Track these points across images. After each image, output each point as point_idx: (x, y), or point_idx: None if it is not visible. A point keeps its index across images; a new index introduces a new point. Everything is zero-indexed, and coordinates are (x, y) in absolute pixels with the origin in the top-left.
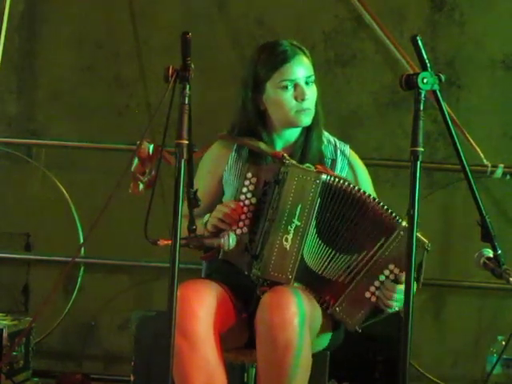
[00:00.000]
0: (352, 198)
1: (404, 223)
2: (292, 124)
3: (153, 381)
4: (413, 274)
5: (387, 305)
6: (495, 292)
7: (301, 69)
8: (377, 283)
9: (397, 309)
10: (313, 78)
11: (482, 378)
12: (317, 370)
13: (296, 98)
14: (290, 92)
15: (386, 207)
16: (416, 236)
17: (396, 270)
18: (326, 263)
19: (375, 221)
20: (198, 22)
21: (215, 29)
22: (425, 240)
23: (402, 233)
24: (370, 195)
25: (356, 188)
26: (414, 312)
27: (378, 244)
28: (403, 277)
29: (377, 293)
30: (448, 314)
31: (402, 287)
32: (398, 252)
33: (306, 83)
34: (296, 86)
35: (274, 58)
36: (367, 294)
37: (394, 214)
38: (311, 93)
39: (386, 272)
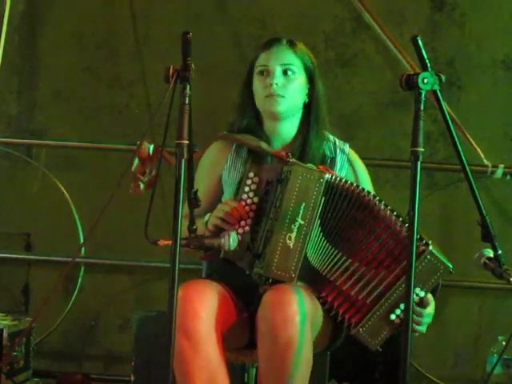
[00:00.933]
0: (356, 199)
1: (431, 247)
2: (266, 111)
3: (153, 381)
4: (413, 277)
5: (415, 330)
6: (495, 292)
7: (277, 56)
8: (402, 306)
9: (424, 331)
10: (294, 68)
11: (483, 378)
12: (317, 370)
13: (265, 84)
14: (262, 78)
15: (401, 219)
16: (441, 260)
17: (421, 293)
18: (331, 264)
19: (396, 238)
20: (198, 22)
21: (216, 29)
22: (449, 264)
23: (429, 257)
24: (375, 196)
25: (361, 189)
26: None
27: (402, 265)
28: (429, 299)
29: (402, 315)
30: (448, 314)
31: (429, 310)
32: (424, 275)
33: (285, 72)
34: (268, 71)
35: (260, 47)
36: (392, 317)
37: (419, 236)
38: (286, 81)
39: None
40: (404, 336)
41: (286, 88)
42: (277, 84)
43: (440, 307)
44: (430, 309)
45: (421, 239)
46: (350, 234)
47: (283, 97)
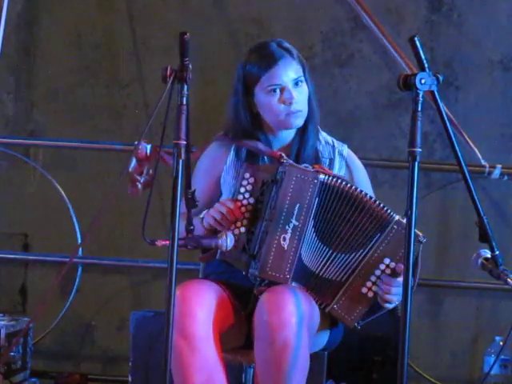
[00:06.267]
0: (350, 198)
1: (397, 217)
2: (284, 126)
3: (151, 381)
4: (410, 274)
5: (386, 299)
6: (493, 292)
7: (287, 72)
8: (373, 278)
9: (396, 303)
10: (302, 78)
11: (480, 378)
12: (314, 370)
13: (284, 102)
14: (278, 96)
15: (381, 205)
16: None
17: (392, 264)
18: (324, 263)
19: (371, 218)
20: (196, 23)
21: (213, 29)
22: (418, 232)
23: (395, 226)
24: (367, 195)
25: (354, 187)
26: (411, 312)
27: (373, 240)
28: (400, 269)
29: (374, 288)
30: (445, 314)
31: (399, 280)
32: (393, 246)
33: (296, 84)
34: (283, 89)
35: (260, 63)
36: (364, 290)
37: (388, 210)
38: (300, 94)
39: (382, 266)
40: (402, 336)
41: (302, 101)
42: (297, 101)
43: (437, 308)
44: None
45: (387, 212)
46: (346, 236)
47: (301, 111)
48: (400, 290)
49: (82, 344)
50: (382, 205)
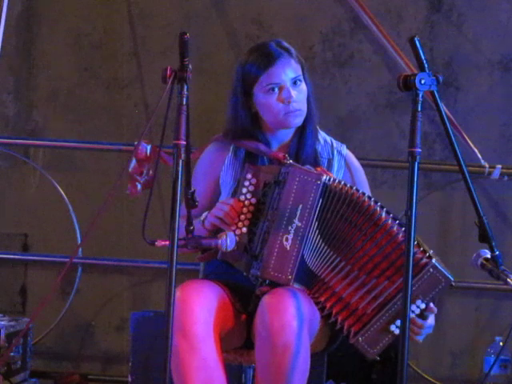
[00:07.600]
0: (355, 202)
1: (433, 260)
2: (283, 126)
3: (150, 381)
4: (410, 277)
5: (414, 340)
6: (493, 292)
7: (286, 71)
8: None
9: (421, 341)
10: (300, 77)
11: (480, 378)
12: (314, 370)
13: (283, 101)
14: (277, 95)
15: (403, 228)
16: (443, 273)
17: (422, 306)
18: (330, 268)
19: (398, 248)
20: (196, 23)
21: (213, 29)
22: (451, 277)
23: (431, 270)
24: (376, 202)
25: (360, 193)
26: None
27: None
28: (433, 309)
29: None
30: (445, 314)
31: (429, 322)
32: (426, 287)
33: (294, 83)
34: (282, 88)
35: (259, 62)
36: (393, 327)
37: (422, 248)
38: (299, 93)
39: (413, 307)
40: (402, 337)
41: (301, 100)
42: (296, 100)
43: (437, 308)
44: (431, 320)
45: (424, 252)
46: (348, 238)
47: (300, 110)
48: (428, 330)
49: (81, 344)
50: (403, 228)
